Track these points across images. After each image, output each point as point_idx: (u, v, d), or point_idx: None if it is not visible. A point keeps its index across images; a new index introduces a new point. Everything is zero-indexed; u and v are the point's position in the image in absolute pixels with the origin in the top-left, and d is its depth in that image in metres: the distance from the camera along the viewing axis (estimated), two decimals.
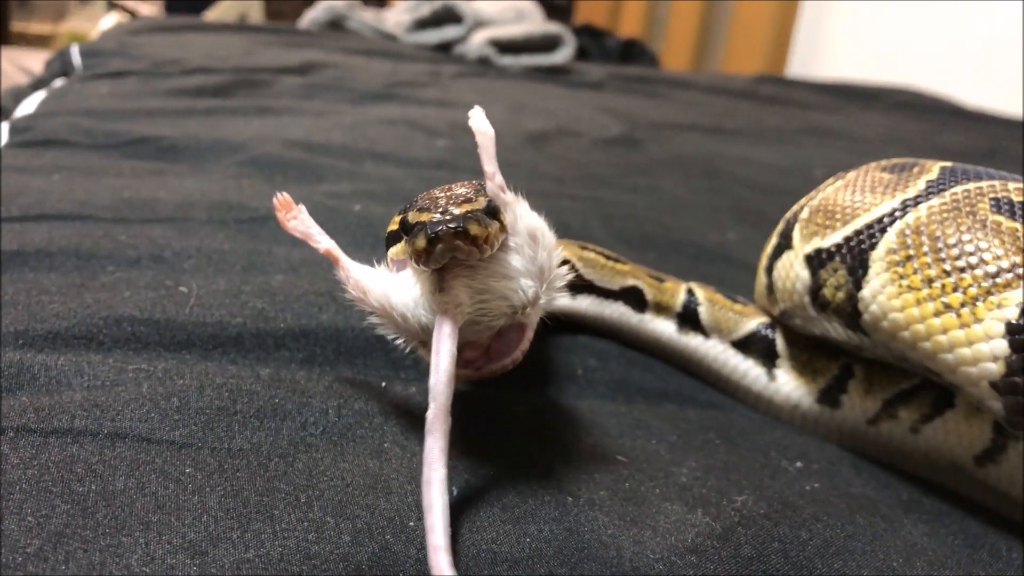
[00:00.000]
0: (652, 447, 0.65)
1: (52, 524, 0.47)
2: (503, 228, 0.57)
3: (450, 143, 1.51)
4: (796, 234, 0.74)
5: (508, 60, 2.74)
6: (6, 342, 0.64)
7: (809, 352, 0.79)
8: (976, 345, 0.59)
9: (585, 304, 0.84)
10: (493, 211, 0.56)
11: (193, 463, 0.54)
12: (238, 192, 1.04)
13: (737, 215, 1.39)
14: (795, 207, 0.79)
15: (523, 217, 0.58)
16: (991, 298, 0.58)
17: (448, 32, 2.88)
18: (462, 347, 0.57)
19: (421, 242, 0.52)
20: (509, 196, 0.57)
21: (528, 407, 0.68)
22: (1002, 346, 0.57)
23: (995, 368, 0.58)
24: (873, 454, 0.75)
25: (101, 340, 0.66)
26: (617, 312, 0.85)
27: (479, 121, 0.57)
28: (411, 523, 0.52)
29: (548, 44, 2.84)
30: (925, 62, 3.45)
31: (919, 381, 0.74)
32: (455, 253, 0.52)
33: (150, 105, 1.48)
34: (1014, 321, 0.57)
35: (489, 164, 0.56)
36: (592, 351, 0.80)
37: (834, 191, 0.73)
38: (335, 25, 3.02)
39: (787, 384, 0.80)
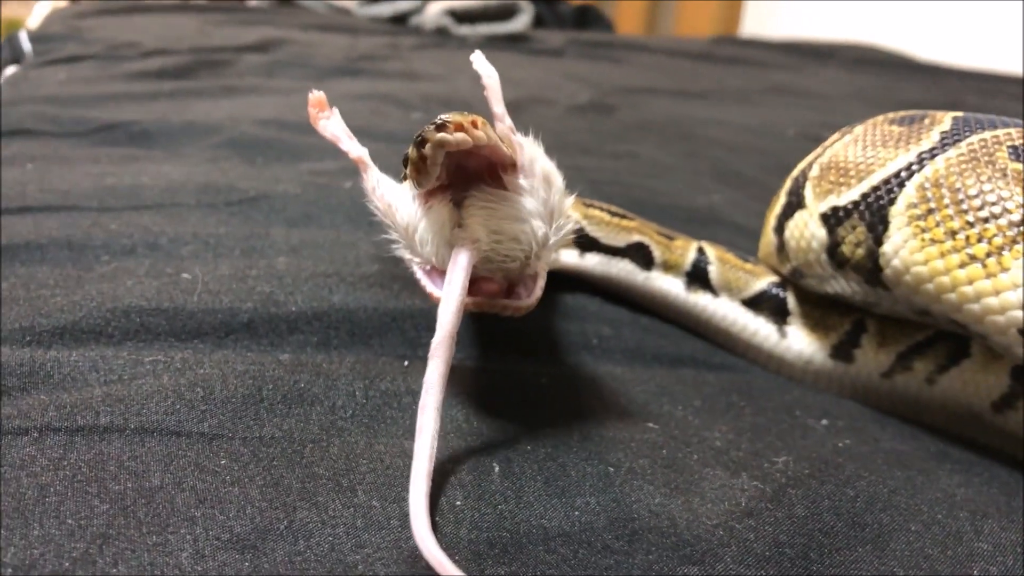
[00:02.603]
0: (679, 413, 0.65)
1: (94, 525, 0.45)
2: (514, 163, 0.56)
3: (424, 116, 1.49)
4: (808, 193, 0.73)
5: (466, 30, 2.71)
6: (12, 339, 0.61)
7: (821, 309, 0.79)
8: (1004, 294, 0.59)
9: (592, 262, 0.84)
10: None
11: (227, 454, 0.52)
12: (223, 175, 1.01)
13: (718, 177, 1.39)
14: (802, 165, 0.78)
15: (538, 159, 0.58)
16: (1016, 247, 0.58)
17: (402, 4, 2.83)
18: (476, 280, 0.57)
19: (413, 151, 0.52)
20: (521, 137, 0.57)
21: (551, 379, 0.67)
22: None
23: (1023, 316, 0.58)
24: (889, 407, 0.75)
25: (111, 333, 0.64)
26: (624, 270, 0.84)
27: (482, 65, 0.55)
28: (458, 502, 0.51)
29: (505, 12, 2.82)
30: (874, 17, 3.48)
31: (933, 333, 0.74)
32: (445, 147, 0.50)
33: (113, 90, 1.44)
34: None
35: (497, 105, 0.55)
36: (604, 319, 0.79)
37: (843, 147, 0.73)
38: (285, 0, 2.97)
39: (799, 341, 0.80)
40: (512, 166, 0.56)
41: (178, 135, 1.22)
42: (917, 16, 3.32)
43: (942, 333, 0.74)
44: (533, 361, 0.70)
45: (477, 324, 0.73)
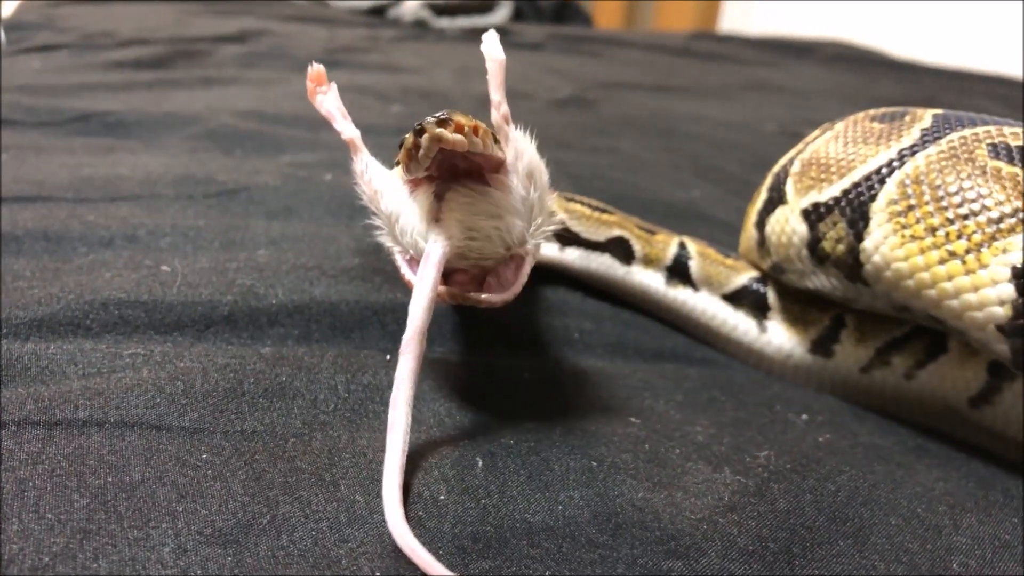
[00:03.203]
0: (661, 407, 0.65)
1: (74, 520, 0.45)
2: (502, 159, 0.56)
3: (404, 109, 1.48)
4: (789, 188, 0.73)
5: (445, 22, 2.71)
6: None
7: (801, 304, 0.80)
8: (982, 291, 0.59)
9: (572, 256, 0.84)
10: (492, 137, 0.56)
11: (208, 448, 0.52)
12: (201, 166, 1.00)
13: (698, 172, 1.39)
14: (782, 161, 0.79)
15: (524, 154, 0.57)
16: (995, 244, 0.59)
17: None
18: (453, 272, 0.57)
19: (410, 137, 0.51)
20: (513, 129, 0.56)
21: (534, 374, 0.67)
22: (1008, 290, 0.58)
23: (1002, 312, 0.59)
24: (867, 402, 0.76)
25: (89, 326, 0.63)
26: (604, 264, 0.84)
27: (492, 46, 0.54)
28: (441, 496, 0.51)
29: (484, 6, 2.81)
30: (850, 14, 3.51)
31: (910, 329, 0.75)
32: (441, 143, 0.50)
33: (89, 79, 1.43)
34: (1020, 265, 0.58)
35: (496, 92, 0.55)
36: (585, 313, 0.80)
37: (824, 143, 0.73)
38: None
39: (779, 336, 0.80)
40: (500, 164, 0.56)
41: (155, 126, 1.21)
42: (892, 14, 3.34)
43: (920, 329, 0.74)
44: (516, 356, 0.69)
45: (460, 317, 0.73)
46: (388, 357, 0.65)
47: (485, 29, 0.57)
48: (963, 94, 2.40)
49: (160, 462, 0.50)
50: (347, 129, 0.59)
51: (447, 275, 0.57)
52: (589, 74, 2.13)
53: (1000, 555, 0.52)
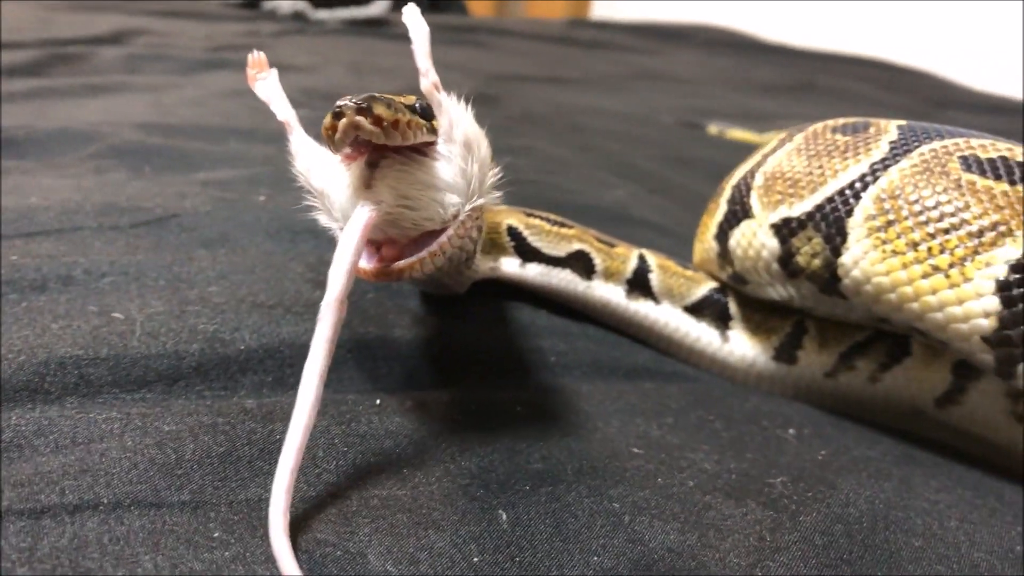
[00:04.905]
0: (656, 433, 0.65)
1: None
2: (433, 130, 0.56)
3: (311, 113, 1.42)
4: (755, 202, 0.74)
5: (324, 14, 2.63)
6: None
7: (762, 312, 0.81)
8: (967, 303, 0.61)
9: (533, 272, 0.82)
10: (425, 111, 0.55)
11: (219, 524, 0.48)
12: (118, 190, 0.93)
13: (614, 171, 1.40)
14: (739, 172, 0.79)
15: (460, 123, 0.57)
16: (979, 257, 0.60)
17: None
18: (380, 244, 0.57)
19: (328, 118, 0.51)
20: (444, 97, 0.56)
21: (526, 407, 0.65)
22: (993, 303, 0.60)
23: (987, 324, 0.60)
24: (834, 406, 0.77)
25: (48, 389, 0.57)
26: (565, 280, 0.82)
27: (413, 17, 0.55)
28: (475, 558, 0.48)
29: None
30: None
31: (872, 332, 0.77)
32: (358, 132, 0.50)
33: None
34: (1003, 278, 0.59)
35: (423, 61, 0.55)
36: (555, 332, 0.78)
37: (786, 156, 0.74)
38: None
39: (742, 345, 0.81)
40: (431, 146, 0.56)
41: (48, 142, 1.12)
42: None
43: (881, 332, 0.76)
44: (504, 388, 0.67)
45: (437, 348, 0.70)
46: (378, 401, 0.62)
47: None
48: (837, 76, 2.50)
49: (170, 547, 0.46)
50: (282, 111, 0.60)
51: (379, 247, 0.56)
52: (482, 67, 2.11)
53: (1015, 569, 0.53)
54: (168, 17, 2.22)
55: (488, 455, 0.58)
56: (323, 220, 0.60)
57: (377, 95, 0.52)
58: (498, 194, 0.62)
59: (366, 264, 0.57)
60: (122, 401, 0.58)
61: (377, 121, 0.50)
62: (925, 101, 2.35)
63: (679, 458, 0.61)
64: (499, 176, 0.62)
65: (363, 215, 0.53)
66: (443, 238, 0.57)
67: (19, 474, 0.49)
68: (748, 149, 1.68)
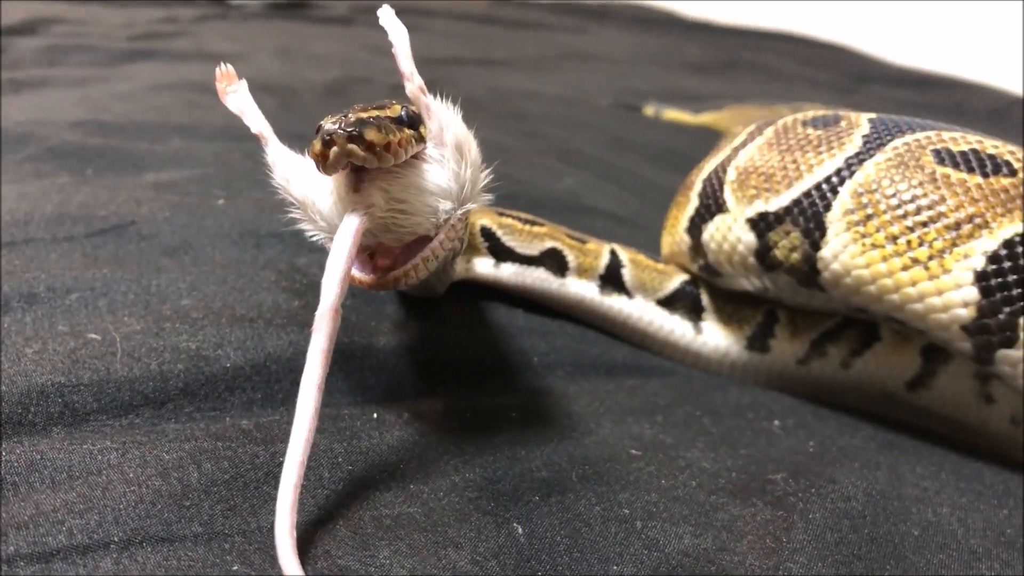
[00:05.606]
0: (649, 432, 0.65)
1: None
2: (421, 138, 0.55)
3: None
4: (729, 197, 0.74)
5: None
6: None
7: (734, 303, 0.82)
8: (947, 294, 0.63)
9: (507, 272, 0.82)
10: (412, 119, 0.55)
11: (236, 557, 0.47)
12: (67, 198, 0.89)
13: (561, 157, 1.40)
14: (709, 166, 0.79)
15: (450, 126, 0.56)
16: (956, 249, 0.62)
17: None
18: (373, 252, 0.56)
19: (317, 145, 0.50)
20: (432, 100, 0.55)
21: (519, 411, 0.65)
22: (972, 293, 0.62)
23: (966, 313, 0.62)
24: (806, 393, 0.79)
25: (33, 420, 0.55)
26: (539, 279, 0.82)
27: (389, 20, 0.54)
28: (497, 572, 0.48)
29: None
30: None
31: (843, 319, 0.79)
32: (351, 159, 0.50)
33: None
34: (981, 269, 0.61)
35: (406, 64, 0.54)
36: (535, 332, 0.78)
37: (759, 151, 0.75)
38: None
39: (715, 336, 0.82)
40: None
41: None
42: None
43: (852, 319, 0.78)
44: (491, 391, 0.67)
45: (426, 355, 0.69)
46: (375, 415, 0.61)
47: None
48: (759, 52, 2.54)
49: None
50: (255, 123, 0.58)
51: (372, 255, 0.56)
52: (414, 50, 2.07)
53: (1010, 553, 0.55)
54: (81, 2, 2.13)
55: (490, 464, 0.58)
56: (308, 230, 0.58)
57: (365, 117, 0.51)
58: (489, 196, 0.61)
59: (362, 274, 0.56)
60: (111, 428, 0.56)
61: (369, 147, 0.49)
62: (847, 75, 2.41)
63: (676, 458, 0.62)
64: (490, 177, 0.61)
65: (354, 221, 0.52)
66: (435, 242, 0.56)
67: (20, 515, 0.47)
68: (686, 131, 1.71)
